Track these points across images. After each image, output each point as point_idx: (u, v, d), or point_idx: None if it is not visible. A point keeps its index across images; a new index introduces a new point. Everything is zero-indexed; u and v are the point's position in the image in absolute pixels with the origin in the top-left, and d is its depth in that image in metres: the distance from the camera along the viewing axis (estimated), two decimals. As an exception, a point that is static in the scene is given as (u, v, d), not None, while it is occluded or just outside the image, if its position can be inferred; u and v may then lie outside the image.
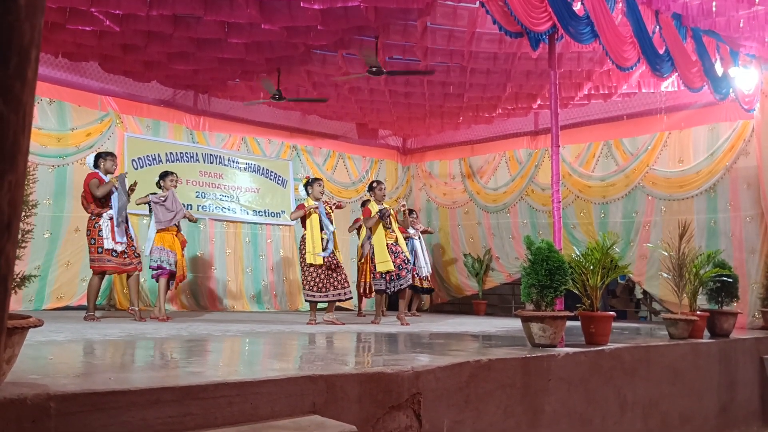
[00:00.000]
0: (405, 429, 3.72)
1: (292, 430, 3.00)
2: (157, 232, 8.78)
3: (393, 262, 8.83)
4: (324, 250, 8.51)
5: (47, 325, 4.61)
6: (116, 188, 8.22)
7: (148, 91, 11.36)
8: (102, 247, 8.11)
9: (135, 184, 8.47)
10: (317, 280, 8.54)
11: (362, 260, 9.87)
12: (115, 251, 8.13)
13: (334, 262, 8.64)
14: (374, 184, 9.28)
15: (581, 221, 11.97)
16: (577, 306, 6.24)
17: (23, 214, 2.82)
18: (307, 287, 8.63)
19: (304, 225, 8.73)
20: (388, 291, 8.96)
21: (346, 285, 8.70)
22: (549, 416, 4.90)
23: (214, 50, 9.25)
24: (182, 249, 9.05)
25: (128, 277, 8.56)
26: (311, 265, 8.54)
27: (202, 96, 11.96)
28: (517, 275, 12.22)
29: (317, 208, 8.65)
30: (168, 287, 8.94)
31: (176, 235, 8.94)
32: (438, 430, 3.94)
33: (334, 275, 8.61)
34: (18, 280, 2.98)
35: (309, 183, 8.96)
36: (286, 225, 12.77)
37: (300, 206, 8.86)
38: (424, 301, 13.61)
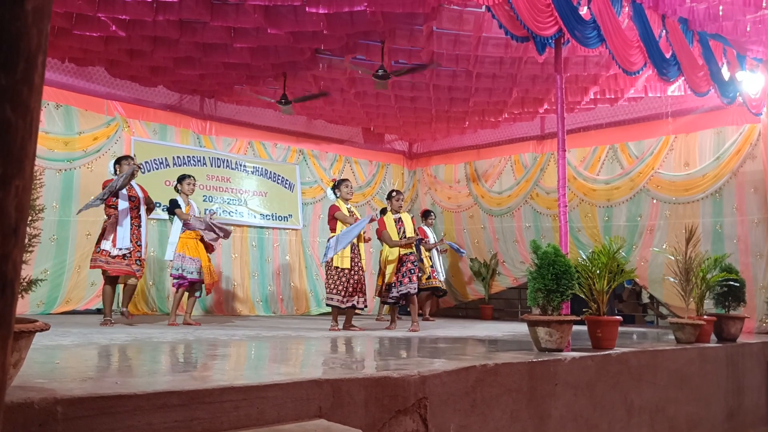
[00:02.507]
0: (411, 433, 3.71)
1: (298, 435, 3.00)
2: (180, 237, 8.61)
3: (399, 269, 8.77)
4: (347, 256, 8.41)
5: (54, 329, 4.61)
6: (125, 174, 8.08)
7: (155, 96, 11.40)
8: (99, 247, 8.02)
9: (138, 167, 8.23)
10: (344, 283, 8.33)
11: (384, 265, 9.84)
12: (110, 253, 7.95)
13: (357, 270, 8.49)
14: (393, 194, 9.11)
15: (586, 225, 11.96)
16: (583, 310, 6.23)
17: (30, 218, 2.83)
18: (329, 290, 8.39)
19: (333, 229, 8.56)
20: (390, 299, 8.91)
21: (363, 294, 8.53)
22: (555, 421, 4.89)
23: (220, 55, 9.27)
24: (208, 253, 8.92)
25: (127, 283, 8.27)
26: (337, 267, 8.33)
27: (208, 100, 12.00)
28: (523, 279, 12.21)
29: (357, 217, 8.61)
30: (186, 296, 8.76)
31: (200, 240, 8.78)
32: (444, 434, 3.93)
33: (357, 284, 8.44)
34: (24, 284, 2.98)
35: (336, 185, 8.85)
36: (293, 229, 12.79)
37: (333, 207, 8.64)
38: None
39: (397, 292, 8.75)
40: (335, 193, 8.80)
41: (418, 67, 9.45)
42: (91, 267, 8.14)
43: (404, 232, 8.84)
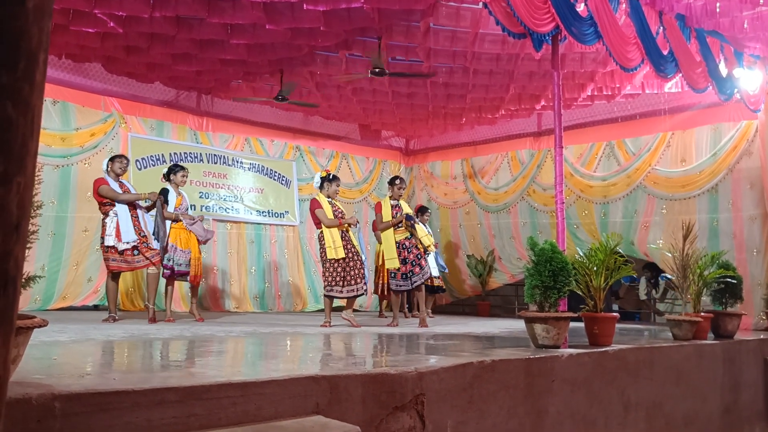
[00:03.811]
0: (408, 430, 3.72)
1: (295, 431, 3.00)
2: (171, 228, 8.51)
3: (406, 258, 8.68)
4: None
5: (52, 325, 4.60)
6: (155, 206, 8.32)
7: (152, 92, 11.38)
8: (107, 246, 7.96)
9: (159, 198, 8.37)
10: (341, 273, 8.26)
11: (380, 261, 9.72)
12: (118, 249, 7.91)
13: (351, 256, 8.36)
14: (396, 181, 8.98)
15: (583, 221, 11.97)
16: (580, 307, 6.23)
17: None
18: (327, 284, 8.31)
19: (317, 225, 8.48)
20: (402, 288, 8.78)
21: (360, 280, 8.40)
22: (552, 417, 4.90)
23: (217, 51, 9.25)
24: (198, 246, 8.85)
25: (147, 274, 8.30)
26: (333, 259, 8.23)
27: (205, 97, 11.98)
28: (520, 276, 12.24)
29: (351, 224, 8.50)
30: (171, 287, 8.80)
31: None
32: (441, 430, 3.94)
33: (353, 271, 8.34)
34: (23, 280, 2.98)
35: (328, 178, 8.62)
36: (290, 225, 12.79)
37: (314, 202, 8.53)
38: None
39: (413, 283, 8.67)
40: (322, 185, 8.63)
41: (415, 74, 9.46)
42: (111, 269, 8.05)
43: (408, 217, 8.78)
